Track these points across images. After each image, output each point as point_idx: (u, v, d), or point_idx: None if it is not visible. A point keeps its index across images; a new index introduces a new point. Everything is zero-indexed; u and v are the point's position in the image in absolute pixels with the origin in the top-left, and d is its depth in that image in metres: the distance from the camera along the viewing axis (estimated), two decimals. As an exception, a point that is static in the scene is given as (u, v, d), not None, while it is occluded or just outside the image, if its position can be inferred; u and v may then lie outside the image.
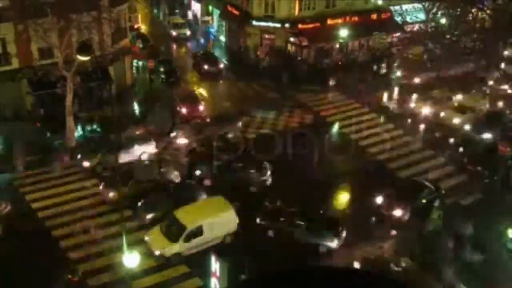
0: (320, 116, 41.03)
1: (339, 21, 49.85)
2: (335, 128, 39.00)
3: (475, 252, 25.81)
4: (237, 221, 26.88)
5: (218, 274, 21.05)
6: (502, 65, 46.90)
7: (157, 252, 25.21)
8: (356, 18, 49.67)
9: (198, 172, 31.63)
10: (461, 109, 40.42)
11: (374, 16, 52.68)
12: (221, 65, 48.18)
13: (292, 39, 50.66)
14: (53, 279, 23.48)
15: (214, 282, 21.41)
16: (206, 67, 47.36)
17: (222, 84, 46.85)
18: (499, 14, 45.79)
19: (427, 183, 30.68)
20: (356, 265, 25.58)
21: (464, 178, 33.33)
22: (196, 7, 62.25)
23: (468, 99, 42.14)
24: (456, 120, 39.36)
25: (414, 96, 43.76)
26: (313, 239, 26.30)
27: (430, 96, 42.91)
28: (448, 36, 47.08)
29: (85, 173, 32.02)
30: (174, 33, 56.63)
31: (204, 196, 29.05)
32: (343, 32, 46.84)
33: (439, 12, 48.80)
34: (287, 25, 49.46)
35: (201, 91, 44.26)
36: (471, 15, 47.06)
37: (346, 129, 38.90)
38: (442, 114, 40.50)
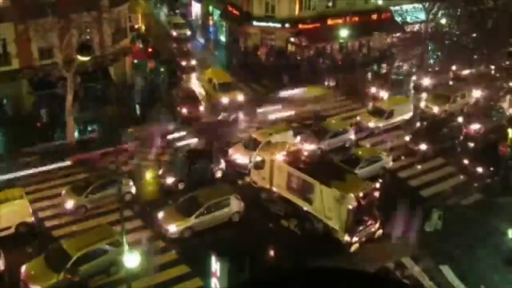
0: (320, 116, 41.03)
1: (339, 21, 49.89)
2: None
3: None
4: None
5: (218, 274, 21.04)
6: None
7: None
8: (356, 18, 49.68)
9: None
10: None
11: (374, 16, 52.76)
12: (201, 107, 40.40)
13: (292, 39, 50.70)
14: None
15: (214, 282, 21.40)
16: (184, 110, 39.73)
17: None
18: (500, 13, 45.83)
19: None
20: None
21: (465, 178, 33.43)
22: (196, 7, 62.38)
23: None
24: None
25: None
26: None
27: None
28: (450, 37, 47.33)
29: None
30: (174, 33, 56.68)
31: None
32: (343, 32, 46.86)
33: (440, 12, 48.80)
34: (287, 25, 49.49)
35: (201, 91, 44.25)
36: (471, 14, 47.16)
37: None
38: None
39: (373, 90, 44.30)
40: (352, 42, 52.21)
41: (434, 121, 38.90)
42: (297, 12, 49.56)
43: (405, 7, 54.80)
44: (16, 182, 30.34)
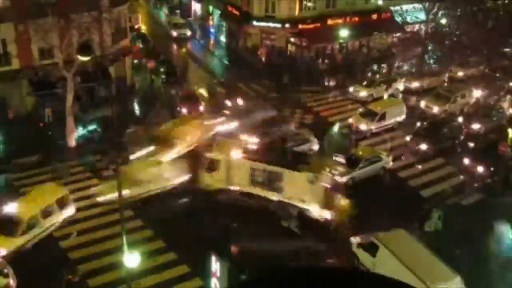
0: (320, 116, 41.10)
1: (339, 21, 49.86)
2: (336, 128, 39.04)
3: None
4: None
5: (218, 274, 21.07)
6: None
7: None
8: (356, 18, 49.67)
9: None
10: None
11: (374, 16, 52.71)
12: (201, 107, 40.21)
13: (292, 39, 50.70)
14: (53, 279, 23.50)
15: (214, 282, 21.42)
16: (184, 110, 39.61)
17: (223, 85, 46.85)
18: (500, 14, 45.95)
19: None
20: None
21: (465, 178, 33.44)
22: (196, 7, 62.36)
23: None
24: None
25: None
26: None
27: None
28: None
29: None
30: (174, 33, 56.68)
31: None
32: (343, 32, 46.86)
33: (440, 13, 48.84)
34: (287, 25, 49.48)
35: (202, 91, 44.27)
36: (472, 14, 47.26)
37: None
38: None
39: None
40: (352, 42, 52.20)
41: (434, 121, 38.88)
42: (297, 12, 49.55)
43: (405, 7, 54.77)
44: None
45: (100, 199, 28.41)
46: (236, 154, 29.44)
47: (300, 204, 27.84)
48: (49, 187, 28.33)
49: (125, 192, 24.55)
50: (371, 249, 24.85)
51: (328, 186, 27.18)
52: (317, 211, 27.50)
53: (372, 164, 32.44)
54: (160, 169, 29.90)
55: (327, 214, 27.44)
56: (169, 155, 30.86)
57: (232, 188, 29.57)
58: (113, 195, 27.25)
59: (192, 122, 33.66)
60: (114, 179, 27.37)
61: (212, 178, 29.88)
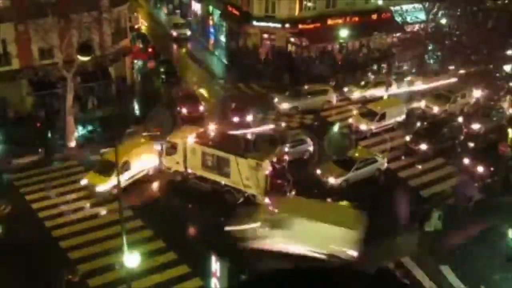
0: (320, 116, 41.08)
1: (340, 21, 49.86)
2: (336, 128, 39.01)
3: None
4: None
5: (218, 274, 21.08)
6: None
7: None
8: (356, 18, 49.67)
9: None
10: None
11: (374, 16, 52.69)
12: (201, 107, 40.19)
13: (292, 39, 50.70)
14: (53, 280, 23.49)
15: (214, 282, 21.44)
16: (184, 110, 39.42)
17: (223, 85, 46.81)
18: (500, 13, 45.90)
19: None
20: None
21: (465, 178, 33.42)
22: (196, 7, 62.35)
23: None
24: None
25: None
26: None
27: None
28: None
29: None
30: (174, 33, 56.68)
31: None
32: (343, 32, 46.85)
33: (440, 13, 48.82)
34: (287, 25, 49.47)
35: (202, 91, 44.26)
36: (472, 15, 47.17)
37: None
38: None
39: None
40: (352, 42, 52.20)
41: (434, 121, 38.86)
42: (297, 12, 49.54)
43: (405, 7, 54.74)
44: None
45: (100, 189, 29.40)
46: (191, 138, 30.81)
47: (245, 189, 29.11)
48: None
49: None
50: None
51: (268, 173, 28.28)
52: (260, 197, 28.66)
53: (367, 165, 32.37)
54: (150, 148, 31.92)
55: (267, 200, 28.36)
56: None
57: (188, 171, 31.03)
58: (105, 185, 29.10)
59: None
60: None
61: (172, 162, 31.45)
